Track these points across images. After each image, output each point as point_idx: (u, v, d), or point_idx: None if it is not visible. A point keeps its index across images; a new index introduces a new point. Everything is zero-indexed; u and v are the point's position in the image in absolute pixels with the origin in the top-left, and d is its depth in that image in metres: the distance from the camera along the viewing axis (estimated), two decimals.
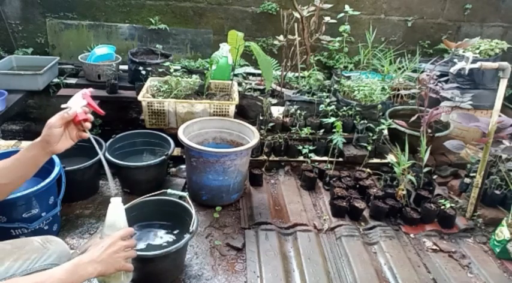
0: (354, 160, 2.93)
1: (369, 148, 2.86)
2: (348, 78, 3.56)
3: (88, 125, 1.31)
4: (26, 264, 1.31)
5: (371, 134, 2.93)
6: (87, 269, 1.13)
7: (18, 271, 1.29)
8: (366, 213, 2.46)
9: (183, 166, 2.78)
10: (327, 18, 3.53)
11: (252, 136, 2.52)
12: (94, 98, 3.85)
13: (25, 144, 2.68)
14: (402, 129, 2.83)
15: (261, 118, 3.01)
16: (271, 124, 2.96)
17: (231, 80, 3.23)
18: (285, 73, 3.65)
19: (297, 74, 3.72)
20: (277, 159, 2.92)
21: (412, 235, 2.36)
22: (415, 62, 3.68)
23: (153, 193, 1.95)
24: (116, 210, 1.31)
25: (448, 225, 2.41)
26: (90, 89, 1.37)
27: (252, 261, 2.05)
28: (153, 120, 2.93)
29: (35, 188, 1.86)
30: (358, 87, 3.25)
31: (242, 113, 3.20)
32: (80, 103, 1.30)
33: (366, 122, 3.03)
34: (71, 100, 1.32)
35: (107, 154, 2.39)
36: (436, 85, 2.77)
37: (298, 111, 3.03)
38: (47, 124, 1.27)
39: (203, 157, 2.32)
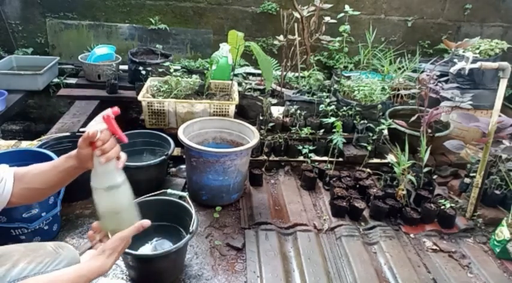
0: (354, 160, 2.93)
1: (369, 148, 2.86)
2: (348, 78, 3.56)
3: (122, 157, 1.17)
4: (39, 267, 1.31)
5: (371, 134, 2.93)
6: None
7: (32, 273, 1.29)
8: (366, 213, 2.46)
9: (183, 166, 2.78)
10: (327, 18, 3.53)
11: (252, 136, 2.52)
12: (94, 98, 3.85)
13: (25, 144, 2.68)
14: (402, 129, 2.83)
15: (261, 118, 3.01)
16: (271, 124, 2.96)
17: (231, 80, 3.23)
18: (285, 73, 3.65)
19: (297, 74, 3.72)
20: (277, 159, 2.92)
21: (412, 235, 2.36)
22: (415, 62, 3.68)
23: (153, 193, 1.95)
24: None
25: (448, 225, 2.41)
26: (115, 108, 1.13)
27: (252, 261, 2.05)
28: (153, 120, 2.93)
29: None
30: (358, 87, 3.25)
31: (242, 113, 3.20)
32: (98, 127, 1.09)
33: (366, 122, 3.03)
34: (90, 123, 1.13)
35: None
36: (436, 85, 2.77)
37: (298, 111, 3.03)
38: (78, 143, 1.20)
39: (203, 157, 2.32)
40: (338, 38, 3.63)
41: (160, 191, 1.98)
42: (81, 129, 1.19)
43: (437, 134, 2.84)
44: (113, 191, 1.17)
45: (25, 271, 1.28)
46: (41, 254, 1.33)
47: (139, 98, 2.85)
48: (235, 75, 3.55)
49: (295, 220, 2.37)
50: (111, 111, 1.11)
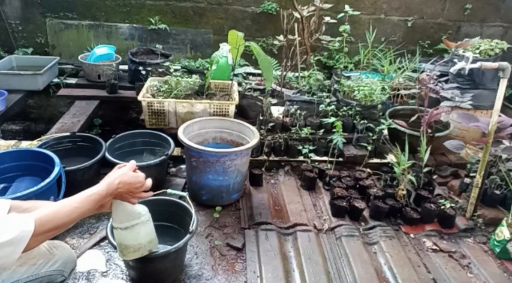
0: (354, 160, 2.93)
1: (369, 148, 2.86)
2: (348, 78, 3.56)
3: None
4: (32, 269, 1.29)
5: (371, 134, 2.93)
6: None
7: (24, 276, 1.27)
8: (366, 213, 2.46)
9: (183, 166, 2.78)
10: (327, 18, 3.53)
11: (252, 136, 2.52)
12: (94, 98, 3.86)
13: (25, 144, 2.68)
14: (402, 129, 2.83)
15: (261, 118, 3.01)
16: (271, 124, 2.96)
17: (231, 80, 3.23)
18: (285, 73, 3.65)
19: (297, 74, 3.72)
20: (277, 159, 2.91)
21: (412, 235, 2.36)
22: (415, 62, 3.68)
23: (153, 193, 1.94)
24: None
25: (448, 225, 2.41)
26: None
27: (252, 261, 2.05)
28: (153, 120, 2.93)
29: (35, 188, 1.86)
30: (358, 87, 3.25)
31: (242, 113, 3.20)
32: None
33: (366, 122, 3.03)
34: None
35: (107, 154, 2.39)
36: (436, 85, 2.77)
37: (298, 111, 3.03)
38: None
39: (203, 157, 2.32)
40: (338, 38, 3.63)
41: (160, 191, 1.97)
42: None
43: (437, 134, 2.84)
44: (129, 230, 1.54)
45: (17, 274, 1.26)
46: (33, 256, 1.31)
47: (139, 98, 2.85)
48: (235, 75, 3.55)
49: (295, 220, 2.37)
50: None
